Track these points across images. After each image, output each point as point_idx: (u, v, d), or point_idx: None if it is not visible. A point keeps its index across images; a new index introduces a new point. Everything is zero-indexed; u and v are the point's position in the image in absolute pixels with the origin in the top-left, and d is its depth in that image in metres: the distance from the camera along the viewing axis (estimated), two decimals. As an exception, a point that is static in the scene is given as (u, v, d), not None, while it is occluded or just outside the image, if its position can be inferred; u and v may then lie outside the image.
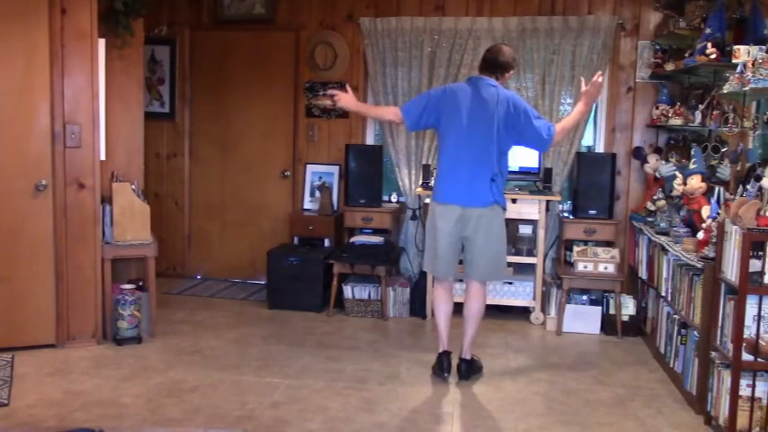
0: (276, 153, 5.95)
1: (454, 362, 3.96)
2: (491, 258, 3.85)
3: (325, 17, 5.70)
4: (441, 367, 3.93)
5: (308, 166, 5.82)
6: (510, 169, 3.98)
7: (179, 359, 4.15)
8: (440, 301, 3.98)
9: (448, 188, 3.83)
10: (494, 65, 3.84)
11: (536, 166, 5.19)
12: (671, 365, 4.02)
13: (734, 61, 3.49)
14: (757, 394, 3.14)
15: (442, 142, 3.89)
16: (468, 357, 3.96)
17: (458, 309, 4.10)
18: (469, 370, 3.95)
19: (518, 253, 5.09)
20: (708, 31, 3.97)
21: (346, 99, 3.85)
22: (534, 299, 5.07)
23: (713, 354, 3.40)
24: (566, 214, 5.30)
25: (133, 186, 4.46)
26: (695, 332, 3.63)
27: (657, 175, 4.74)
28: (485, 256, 3.84)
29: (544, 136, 3.73)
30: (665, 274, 4.19)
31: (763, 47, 3.34)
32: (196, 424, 3.26)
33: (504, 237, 3.92)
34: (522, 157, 5.04)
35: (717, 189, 4.04)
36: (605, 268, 4.80)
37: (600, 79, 3.74)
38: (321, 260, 5.20)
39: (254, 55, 5.89)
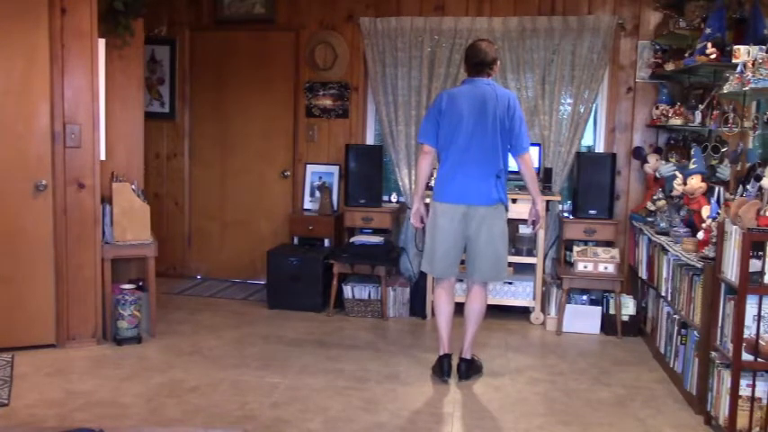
0: (276, 153, 5.95)
1: (454, 363, 3.96)
2: (492, 260, 3.86)
3: (325, 17, 5.70)
4: (441, 370, 3.92)
5: (308, 166, 5.82)
6: (510, 169, 3.99)
7: (179, 359, 4.15)
8: (441, 302, 3.98)
9: (451, 188, 3.84)
10: (482, 65, 3.85)
11: (536, 166, 5.18)
12: (671, 365, 4.02)
13: (734, 61, 3.48)
14: (757, 394, 3.14)
15: (444, 144, 3.89)
16: (468, 357, 3.96)
17: (458, 308, 4.10)
18: (469, 369, 3.95)
19: (518, 253, 5.09)
20: (708, 31, 3.97)
21: (416, 219, 4.06)
22: (534, 299, 5.07)
23: (713, 354, 3.40)
24: (566, 214, 5.30)
25: (133, 186, 4.46)
26: (695, 332, 3.63)
27: (657, 175, 4.74)
28: (486, 257, 3.84)
29: (524, 145, 3.88)
30: (665, 274, 4.19)
31: (763, 47, 3.34)
32: (196, 424, 3.26)
33: (505, 239, 3.93)
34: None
35: (717, 189, 4.04)
36: (605, 268, 4.80)
37: (536, 228, 4.15)
38: (321, 260, 5.19)
39: (254, 55, 5.89)
